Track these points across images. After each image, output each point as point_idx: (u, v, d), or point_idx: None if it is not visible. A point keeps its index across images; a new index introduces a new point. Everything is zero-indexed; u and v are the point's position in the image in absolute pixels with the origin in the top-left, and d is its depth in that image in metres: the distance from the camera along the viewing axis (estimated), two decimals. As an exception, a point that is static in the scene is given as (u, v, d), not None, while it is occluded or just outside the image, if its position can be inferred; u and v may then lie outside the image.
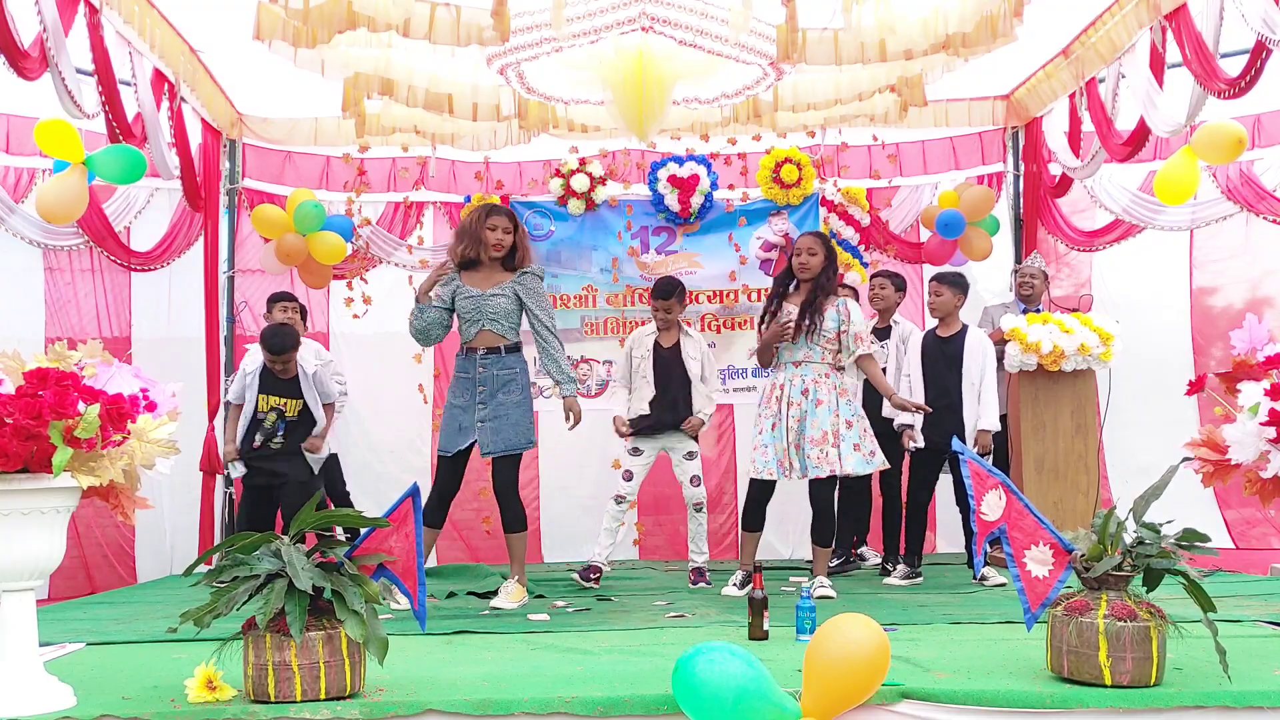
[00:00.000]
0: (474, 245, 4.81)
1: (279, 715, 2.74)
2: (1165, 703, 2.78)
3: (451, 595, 5.21)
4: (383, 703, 2.81)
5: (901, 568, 5.66)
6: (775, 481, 5.11)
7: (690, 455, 5.81)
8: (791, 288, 5.22)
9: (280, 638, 2.75)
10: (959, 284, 5.71)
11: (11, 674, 2.76)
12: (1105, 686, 2.82)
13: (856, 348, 5.08)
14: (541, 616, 4.54)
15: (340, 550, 2.96)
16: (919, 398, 5.52)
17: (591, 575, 5.64)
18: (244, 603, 2.81)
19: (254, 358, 5.83)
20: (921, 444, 5.58)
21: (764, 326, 5.21)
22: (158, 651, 3.63)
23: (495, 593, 5.02)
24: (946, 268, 6.53)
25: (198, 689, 2.81)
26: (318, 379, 5.79)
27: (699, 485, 5.81)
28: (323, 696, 2.78)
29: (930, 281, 5.82)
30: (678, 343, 5.83)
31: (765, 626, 3.82)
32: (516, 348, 4.87)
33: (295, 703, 2.76)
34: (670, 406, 5.76)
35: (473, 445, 4.83)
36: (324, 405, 5.84)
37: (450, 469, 4.86)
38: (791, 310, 5.10)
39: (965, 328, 5.68)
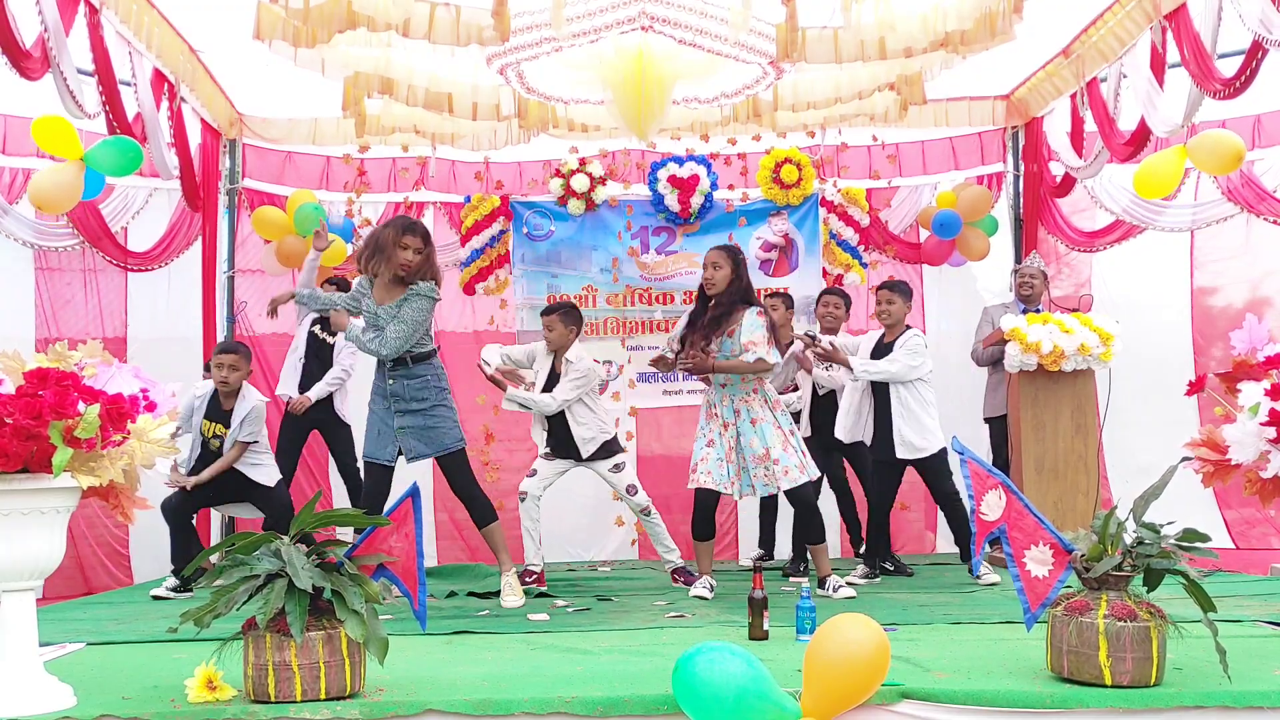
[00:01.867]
0: (380, 263, 4.75)
1: (279, 715, 2.74)
2: (1165, 703, 2.79)
3: (451, 595, 5.21)
4: (383, 703, 2.81)
5: (860, 567, 5.65)
6: (713, 494, 5.00)
7: (616, 468, 5.67)
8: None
9: (280, 638, 2.75)
10: (909, 292, 5.68)
11: (11, 674, 2.76)
12: (1105, 686, 2.82)
13: (746, 355, 4.82)
14: (541, 616, 4.54)
15: (340, 550, 2.96)
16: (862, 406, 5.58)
17: (528, 579, 5.48)
18: (244, 603, 2.81)
19: (203, 385, 5.80)
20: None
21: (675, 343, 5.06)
22: (158, 651, 3.64)
23: (498, 593, 5.03)
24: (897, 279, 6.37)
25: (198, 689, 2.81)
26: (250, 418, 5.64)
27: (635, 493, 5.67)
28: (323, 696, 2.78)
29: (880, 290, 5.68)
30: (557, 372, 5.67)
31: (765, 626, 3.82)
32: (424, 356, 4.84)
33: (295, 703, 2.76)
34: (562, 438, 5.63)
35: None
36: (238, 440, 5.66)
37: (382, 477, 4.87)
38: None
39: (906, 328, 5.61)
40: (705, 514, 5.06)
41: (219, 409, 5.67)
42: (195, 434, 5.70)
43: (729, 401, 4.95)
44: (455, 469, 4.91)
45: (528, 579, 5.49)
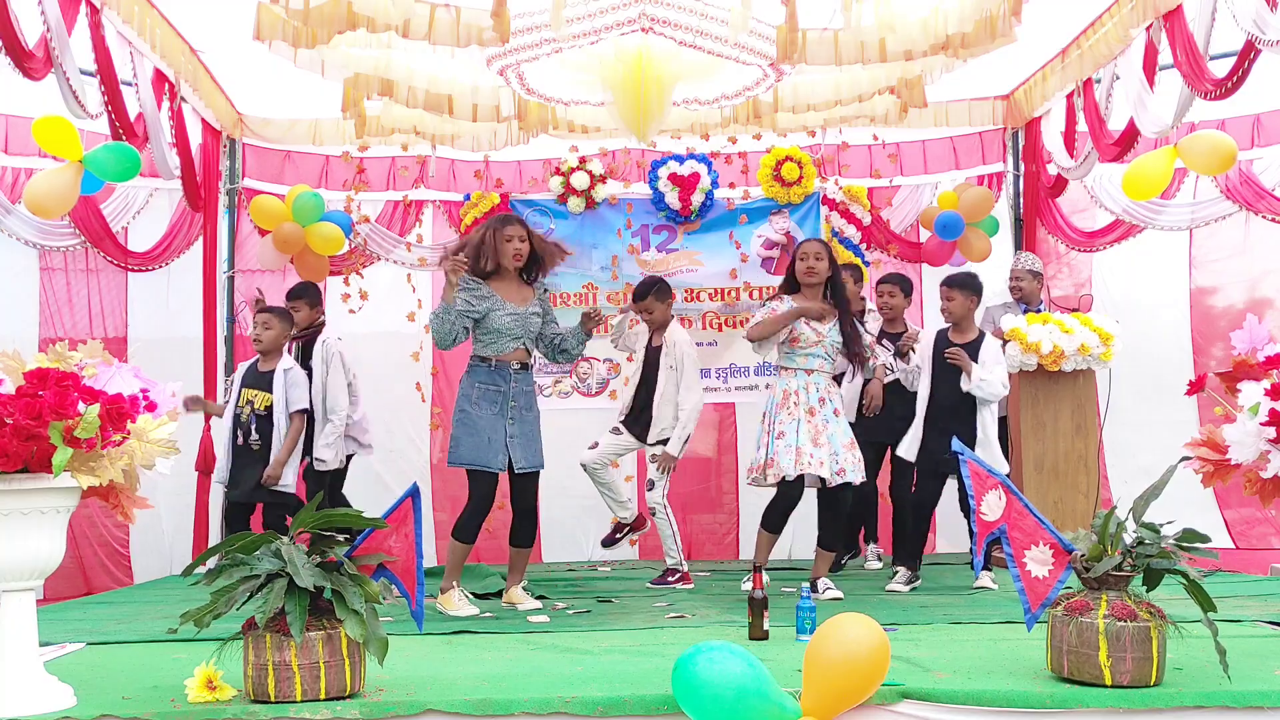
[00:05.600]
0: (493, 259, 4.78)
1: (279, 715, 2.74)
2: (1165, 703, 2.79)
3: (451, 595, 5.21)
4: (383, 703, 2.81)
5: (904, 572, 5.49)
6: (803, 485, 5.04)
7: (652, 459, 5.79)
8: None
9: (280, 638, 2.75)
10: (970, 286, 5.50)
11: (11, 674, 2.76)
12: (1105, 686, 2.82)
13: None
14: (542, 617, 4.54)
15: (340, 550, 2.96)
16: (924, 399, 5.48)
17: (669, 578, 5.68)
18: (244, 603, 2.81)
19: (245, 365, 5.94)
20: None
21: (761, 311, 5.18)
22: (158, 651, 3.64)
23: (498, 594, 5.05)
24: (959, 270, 6.35)
25: (198, 689, 2.81)
26: (290, 380, 5.70)
27: (651, 489, 5.76)
28: (323, 696, 2.79)
29: (940, 286, 5.63)
30: (659, 346, 5.79)
31: (765, 626, 3.82)
32: (530, 365, 4.95)
33: (295, 703, 2.76)
34: (639, 414, 5.79)
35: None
36: (291, 413, 5.71)
37: (492, 485, 4.82)
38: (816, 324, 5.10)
39: (983, 335, 5.48)
40: (787, 509, 5.09)
41: (255, 374, 5.70)
42: (235, 406, 5.71)
43: (815, 390, 5.04)
44: (533, 485, 4.96)
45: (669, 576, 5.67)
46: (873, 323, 6.17)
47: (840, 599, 4.86)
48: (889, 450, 6.05)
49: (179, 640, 3.52)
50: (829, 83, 5.95)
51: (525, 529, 4.94)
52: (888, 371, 5.67)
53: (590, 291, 7.40)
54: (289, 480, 5.71)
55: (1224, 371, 3.46)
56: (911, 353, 5.46)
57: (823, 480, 4.98)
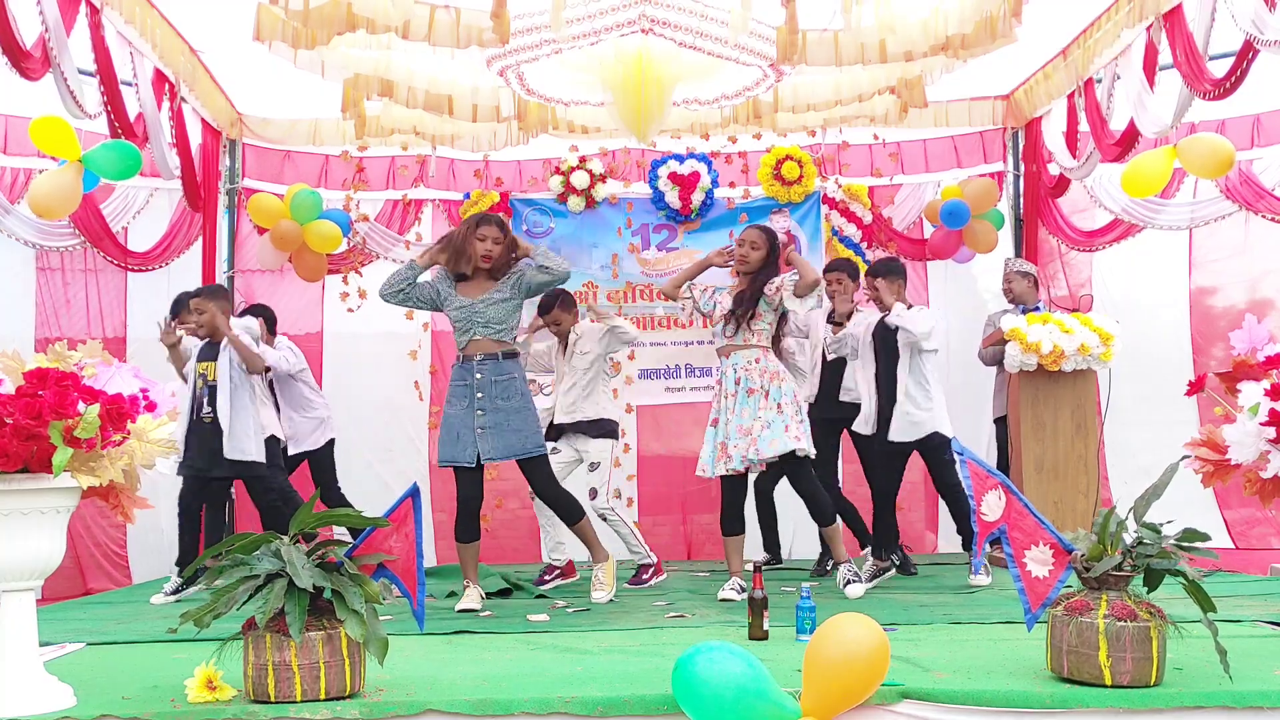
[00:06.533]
0: (459, 260, 4.79)
1: (279, 715, 2.74)
2: (1165, 703, 2.79)
3: (451, 595, 5.21)
4: (383, 703, 2.81)
5: (869, 565, 5.47)
6: (746, 478, 5.01)
7: (593, 466, 5.71)
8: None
9: (280, 638, 2.75)
10: (893, 271, 5.53)
11: (11, 674, 2.76)
12: (1105, 686, 2.82)
13: (792, 299, 4.90)
14: (541, 616, 4.54)
15: (340, 550, 2.96)
16: (870, 391, 5.50)
17: (548, 575, 5.65)
18: (244, 603, 2.81)
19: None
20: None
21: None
22: (158, 651, 3.64)
23: (498, 593, 5.04)
24: (883, 259, 6.22)
25: (198, 689, 2.81)
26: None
27: (594, 498, 5.65)
28: (323, 696, 2.78)
29: (865, 277, 5.72)
30: (571, 353, 5.78)
31: (765, 626, 3.82)
32: (513, 354, 4.86)
33: (295, 703, 2.76)
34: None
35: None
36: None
37: (470, 479, 4.81)
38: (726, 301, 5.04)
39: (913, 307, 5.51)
40: (730, 508, 5.00)
41: (208, 346, 5.61)
42: (193, 383, 5.58)
43: (732, 372, 4.96)
44: (537, 471, 4.89)
45: (549, 574, 5.64)
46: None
47: (860, 598, 4.82)
48: (845, 432, 5.99)
49: (179, 640, 3.52)
50: (829, 83, 5.95)
51: (558, 510, 4.95)
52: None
53: (591, 290, 7.40)
54: (250, 450, 5.53)
55: (1224, 371, 3.45)
56: (844, 324, 5.64)
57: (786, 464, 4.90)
